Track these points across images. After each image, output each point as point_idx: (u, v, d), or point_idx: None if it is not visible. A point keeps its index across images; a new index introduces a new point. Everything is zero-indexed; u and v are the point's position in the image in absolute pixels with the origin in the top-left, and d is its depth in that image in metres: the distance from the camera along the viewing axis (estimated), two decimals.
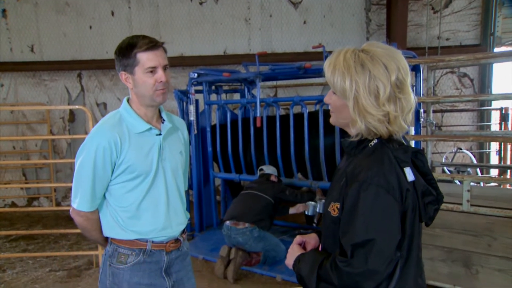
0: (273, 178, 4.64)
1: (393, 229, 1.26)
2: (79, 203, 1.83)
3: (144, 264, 1.89)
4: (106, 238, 1.95)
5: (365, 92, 1.30)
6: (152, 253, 1.90)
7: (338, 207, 1.35)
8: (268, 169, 4.78)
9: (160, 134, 1.91)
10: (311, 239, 1.60)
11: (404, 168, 1.30)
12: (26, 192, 7.79)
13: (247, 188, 4.59)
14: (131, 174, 1.82)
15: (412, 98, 1.37)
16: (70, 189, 6.38)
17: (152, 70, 1.79)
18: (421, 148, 4.88)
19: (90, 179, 1.78)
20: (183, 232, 2.04)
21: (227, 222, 4.26)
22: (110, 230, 1.90)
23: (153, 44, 1.79)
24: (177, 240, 1.99)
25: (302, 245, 1.60)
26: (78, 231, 4.87)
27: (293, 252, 1.52)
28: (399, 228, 1.27)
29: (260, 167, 4.85)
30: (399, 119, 1.34)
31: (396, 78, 1.30)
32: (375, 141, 1.36)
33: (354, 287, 1.27)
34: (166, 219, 1.92)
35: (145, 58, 1.78)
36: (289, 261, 1.52)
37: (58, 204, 7.61)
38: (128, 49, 1.79)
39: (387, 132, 1.35)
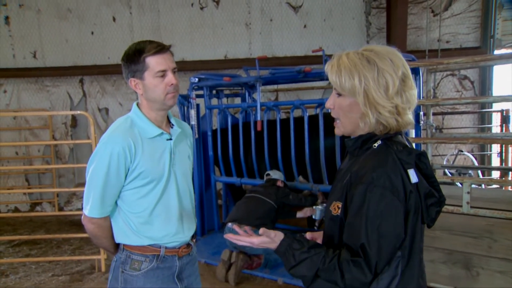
0: (279, 183, 4.65)
1: (398, 230, 1.29)
2: (90, 209, 1.80)
3: (157, 270, 1.87)
4: (117, 246, 1.93)
5: (375, 85, 1.32)
6: (165, 258, 1.89)
7: (340, 206, 1.37)
8: (275, 174, 4.77)
9: (170, 139, 1.91)
10: (319, 236, 1.60)
11: (408, 170, 1.31)
12: (29, 197, 7.83)
13: (251, 192, 4.60)
14: (144, 179, 1.81)
15: (415, 93, 1.40)
16: (72, 194, 6.36)
17: (162, 74, 1.79)
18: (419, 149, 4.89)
19: (102, 185, 1.76)
20: (192, 236, 2.03)
21: (229, 224, 4.27)
22: (122, 236, 1.88)
23: (161, 48, 1.80)
24: (188, 245, 1.99)
25: None
26: (81, 235, 4.93)
27: (277, 239, 1.46)
28: (403, 229, 1.29)
29: (267, 172, 4.84)
30: (407, 111, 1.37)
31: (402, 73, 1.34)
32: (379, 142, 1.38)
33: (358, 285, 1.29)
34: (179, 223, 1.91)
35: (154, 62, 1.78)
36: (269, 245, 1.47)
37: (60, 209, 7.64)
38: (136, 55, 1.78)
39: (396, 125, 1.37)
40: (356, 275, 1.27)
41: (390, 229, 1.27)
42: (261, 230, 1.49)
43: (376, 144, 1.38)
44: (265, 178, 4.81)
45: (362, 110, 1.36)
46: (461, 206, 3.22)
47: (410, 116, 1.38)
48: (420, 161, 1.36)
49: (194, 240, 2.06)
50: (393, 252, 1.30)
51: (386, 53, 1.35)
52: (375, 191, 1.27)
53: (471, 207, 3.19)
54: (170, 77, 1.81)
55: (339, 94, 1.41)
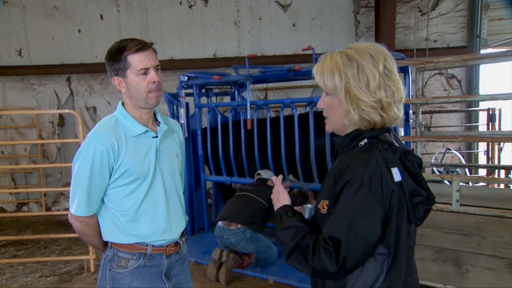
0: (269, 183, 4.63)
1: (371, 229, 1.30)
2: (76, 208, 1.81)
3: (144, 268, 1.88)
4: (105, 243, 1.93)
5: (355, 81, 1.35)
6: (153, 257, 1.89)
7: (327, 204, 1.39)
8: (266, 173, 4.75)
9: (156, 137, 1.91)
10: None
11: (392, 169, 1.32)
12: (15, 197, 7.71)
13: (241, 190, 4.59)
14: (129, 177, 1.81)
15: (402, 87, 1.42)
16: (60, 193, 6.26)
17: (145, 72, 1.79)
18: (411, 149, 4.92)
19: (87, 184, 1.77)
20: (182, 235, 2.03)
21: (220, 223, 4.26)
22: (110, 234, 1.88)
23: (142, 45, 1.79)
24: (176, 243, 1.98)
25: None
26: (69, 236, 4.87)
27: (282, 198, 1.62)
28: (376, 227, 1.30)
29: (258, 172, 4.83)
30: (392, 105, 1.38)
31: (383, 66, 1.36)
32: (365, 140, 1.39)
33: (322, 273, 1.33)
34: (166, 221, 1.91)
35: (136, 60, 1.77)
36: (276, 202, 1.62)
37: (48, 209, 7.53)
38: (118, 53, 1.79)
39: (381, 121, 1.39)
40: (323, 261, 1.29)
41: (361, 227, 1.29)
42: (274, 178, 1.73)
43: (362, 143, 1.40)
44: (256, 177, 4.80)
45: (345, 107, 1.39)
46: (450, 204, 3.25)
47: (396, 111, 1.40)
48: (406, 159, 1.37)
49: (183, 239, 2.05)
50: (365, 251, 1.31)
51: (366, 49, 1.39)
52: (352, 187, 1.29)
53: (461, 205, 3.22)
54: (152, 75, 1.80)
55: (327, 94, 1.45)
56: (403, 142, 1.51)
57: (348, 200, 1.29)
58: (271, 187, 4.50)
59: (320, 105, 1.49)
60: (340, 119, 1.43)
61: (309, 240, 1.35)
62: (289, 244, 1.38)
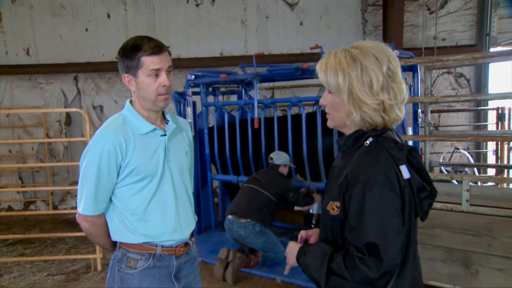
0: (281, 170, 4.55)
1: (398, 224, 1.29)
2: (83, 207, 1.79)
3: (153, 269, 1.85)
4: (114, 243, 1.91)
5: (359, 83, 1.34)
6: (162, 257, 1.86)
7: (338, 205, 1.37)
8: (278, 158, 4.56)
9: (165, 135, 1.88)
10: (314, 233, 1.62)
11: (400, 166, 1.32)
12: (23, 196, 7.74)
13: (251, 182, 4.51)
14: (137, 176, 1.79)
15: (404, 88, 1.41)
16: (67, 192, 6.27)
17: (156, 74, 1.77)
18: (418, 147, 4.87)
19: (94, 182, 1.75)
20: (191, 235, 2.00)
21: (229, 216, 4.27)
22: (118, 234, 1.86)
23: (158, 49, 1.77)
24: (186, 244, 1.95)
25: (305, 240, 1.63)
26: (75, 234, 4.88)
27: (292, 250, 1.52)
28: (403, 223, 1.30)
29: (270, 156, 4.65)
30: (395, 107, 1.37)
31: (387, 68, 1.35)
32: (370, 139, 1.39)
33: (367, 283, 1.29)
34: (176, 220, 1.89)
35: (150, 61, 1.75)
36: (292, 260, 1.51)
37: (55, 208, 7.57)
38: (132, 51, 1.76)
39: (382, 122, 1.38)
40: (362, 271, 1.26)
41: (393, 225, 1.28)
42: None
43: (367, 142, 1.39)
44: (268, 162, 4.69)
45: (347, 108, 1.38)
46: (460, 204, 3.21)
47: (398, 113, 1.39)
48: (412, 156, 1.37)
49: (193, 239, 2.02)
50: (399, 248, 1.29)
51: (371, 49, 1.37)
52: (374, 189, 1.28)
53: (471, 205, 3.17)
54: (163, 78, 1.78)
55: (330, 92, 1.44)
56: (402, 139, 1.50)
57: (374, 203, 1.28)
58: (282, 180, 4.45)
59: (322, 102, 1.49)
60: (342, 118, 1.44)
61: (337, 257, 1.32)
62: (321, 270, 1.34)
